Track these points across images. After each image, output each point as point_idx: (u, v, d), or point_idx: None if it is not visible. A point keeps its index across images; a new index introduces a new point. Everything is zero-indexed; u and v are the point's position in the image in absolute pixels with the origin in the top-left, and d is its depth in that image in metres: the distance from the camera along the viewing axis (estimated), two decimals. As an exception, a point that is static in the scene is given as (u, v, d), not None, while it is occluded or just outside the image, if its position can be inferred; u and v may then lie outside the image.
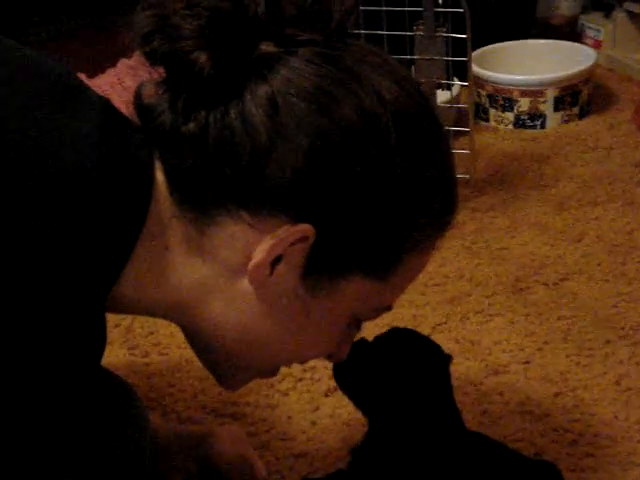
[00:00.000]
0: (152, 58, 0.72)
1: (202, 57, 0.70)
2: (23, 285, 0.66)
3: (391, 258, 0.76)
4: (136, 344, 1.33)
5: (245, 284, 0.75)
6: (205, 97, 0.71)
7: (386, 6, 1.66)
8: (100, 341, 0.76)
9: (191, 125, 0.71)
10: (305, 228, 0.72)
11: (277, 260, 0.73)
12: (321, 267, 0.74)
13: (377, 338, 0.96)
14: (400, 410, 0.94)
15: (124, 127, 0.74)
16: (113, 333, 1.32)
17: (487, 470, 0.94)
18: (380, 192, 0.73)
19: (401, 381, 0.94)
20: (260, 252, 0.72)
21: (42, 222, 0.67)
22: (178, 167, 0.73)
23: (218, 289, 0.75)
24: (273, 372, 0.87)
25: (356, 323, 0.83)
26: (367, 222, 0.73)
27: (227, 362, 0.82)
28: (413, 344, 0.97)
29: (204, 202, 0.73)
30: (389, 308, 0.83)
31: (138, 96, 0.74)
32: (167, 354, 1.30)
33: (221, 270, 0.75)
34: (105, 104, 0.74)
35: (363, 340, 0.95)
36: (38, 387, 0.71)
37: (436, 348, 0.98)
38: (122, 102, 0.76)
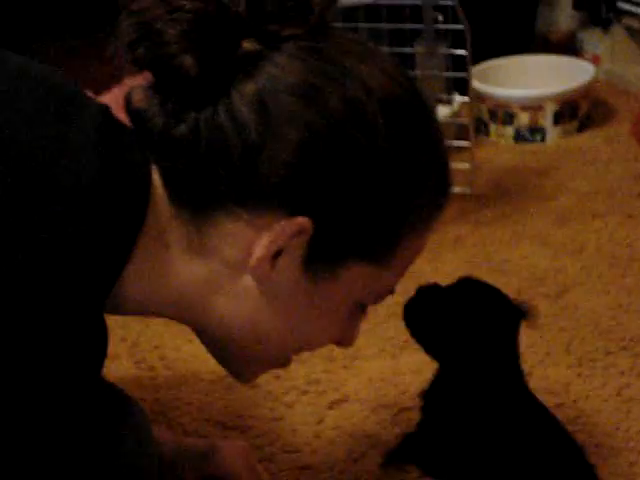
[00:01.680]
0: (139, 65, 0.73)
1: (187, 60, 0.71)
2: (24, 291, 0.67)
3: (389, 243, 0.77)
4: (142, 358, 1.33)
5: (248, 280, 0.76)
6: (193, 98, 0.72)
7: (387, 23, 1.68)
8: (101, 346, 0.76)
9: (182, 127, 0.72)
10: (302, 221, 0.73)
11: (277, 254, 0.74)
12: (321, 257, 0.75)
13: (451, 285, 0.97)
14: (468, 357, 0.95)
15: (121, 132, 0.74)
16: (119, 347, 1.33)
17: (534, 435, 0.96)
18: (373, 179, 0.74)
19: (472, 329, 0.94)
20: (260, 248, 0.74)
21: (42, 228, 0.68)
22: (172, 169, 0.74)
23: (221, 286, 0.77)
24: (285, 362, 0.87)
25: (360, 308, 0.83)
26: (363, 209, 0.74)
27: (237, 356, 0.83)
28: (485, 295, 0.98)
29: (201, 202, 0.74)
30: (392, 292, 0.84)
31: (128, 101, 0.76)
32: (173, 368, 1.31)
33: (223, 268, 0.76)
34: (104, 111, 0.75)
35: (437, 285, 0.96)
36: (36, 393, 0.71)
37: (508, 302, 0.99)
38: (127, 118, 0.77)
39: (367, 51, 0.77)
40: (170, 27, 0.71)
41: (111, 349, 1.27)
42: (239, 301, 0.77)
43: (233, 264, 0.75)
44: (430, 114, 0.79)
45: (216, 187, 0.73)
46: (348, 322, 0.83)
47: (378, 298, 0.83)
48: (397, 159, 0.75)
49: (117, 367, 1.29)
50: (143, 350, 1.35)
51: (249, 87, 0.72)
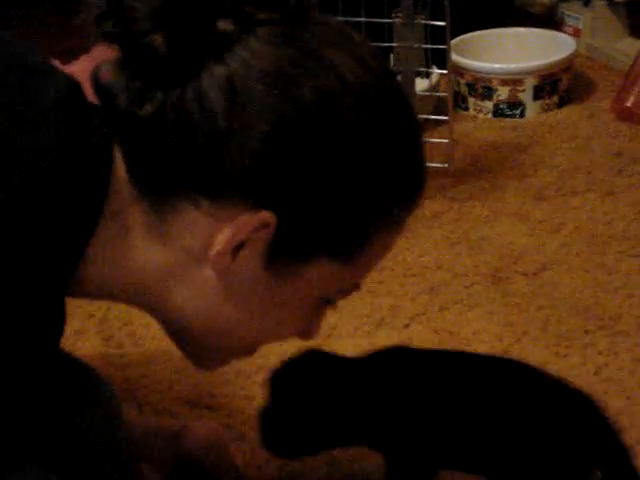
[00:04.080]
0: (108, 39, 0.71)
1: (157, 38, 0.69)
2: None
3: (356, 241, 0.75)
4: (111, 335, 1.32)
5: (208, 271, 0.74)
6: (161, 78, 0.70)
7: (365, -8, 1.65)
8: (59, 324, 0.75)
9: (147, 107, 0.70)
10: (265, 216, 0.71)
11: (239, 247, 0.73)
12: (285, 252, 0.74)
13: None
14: None
15: (85, 109, 0.73)
16: (87, 323, 1.32)
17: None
18: (341, 175, 0.72)
19: None
20: (221, 241, 0.72)
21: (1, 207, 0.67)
22: (136, 150, 0.72)
23: (181, 275, 0.75)
24: (248, 352, 0.85)
25: (325, 302, 0.82)
26: (329, 207, 0.72)
27: (196, 345, 0.82)
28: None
29: (163, 187, 0.72)
30: (357, 287, 0.82)
31: (96, 76, 0.73)
32: (142, 345, 1.30)
33: (183, 257, 0.74)
34: (71, 85, 0.73)
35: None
36: None
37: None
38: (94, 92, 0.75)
39: (345, 40, 0.74)
40: (142, 3, 0.69)
41: (79, 325, 1.26)
42: (198, 292, 0.76)
43: (194, 254, 0.74)
44: (408, 111, 0.77)
45: (179, 173, 0.71)
46: (312, 316, 0.82)
47: (343, 294, 0.81)
48: (369, 156, 0.73)
49: (85, 344, 1.28)
50: (112, 327, 1.34)
51: (220, 70, 0.69)
